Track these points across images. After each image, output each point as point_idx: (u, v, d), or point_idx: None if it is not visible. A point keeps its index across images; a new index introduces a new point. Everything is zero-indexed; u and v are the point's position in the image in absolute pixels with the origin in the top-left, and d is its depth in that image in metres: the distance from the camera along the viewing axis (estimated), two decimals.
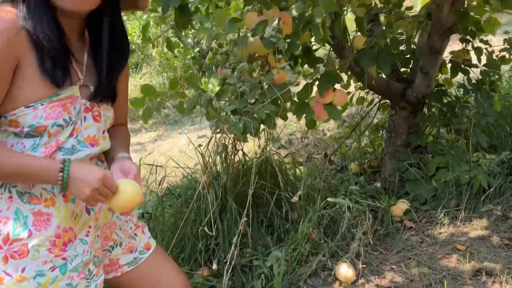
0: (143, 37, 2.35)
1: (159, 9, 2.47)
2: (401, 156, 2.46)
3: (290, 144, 3.58)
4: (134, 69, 7.11)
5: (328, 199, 1.98)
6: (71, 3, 0.90)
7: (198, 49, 6.86)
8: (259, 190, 2.04)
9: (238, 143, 2.11)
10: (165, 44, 2.44)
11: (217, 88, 1.62)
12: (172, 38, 2.38)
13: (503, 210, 2.09)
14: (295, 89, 2.17)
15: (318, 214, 2.00)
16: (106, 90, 1.02)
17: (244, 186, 2.09)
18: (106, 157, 1.11)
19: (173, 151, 3.92)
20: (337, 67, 2.06)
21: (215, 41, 2.24)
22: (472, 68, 2.28)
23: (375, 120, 2.91)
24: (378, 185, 2.47)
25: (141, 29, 1.97)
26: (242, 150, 2.08)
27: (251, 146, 2.35)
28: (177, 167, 2.22)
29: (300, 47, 1.89)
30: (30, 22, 0.89)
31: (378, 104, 2.76)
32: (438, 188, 2.25)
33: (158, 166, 2.14)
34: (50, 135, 0.95)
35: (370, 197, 2.29)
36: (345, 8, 2.16)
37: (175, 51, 5.48)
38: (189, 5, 1.93)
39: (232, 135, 2.02)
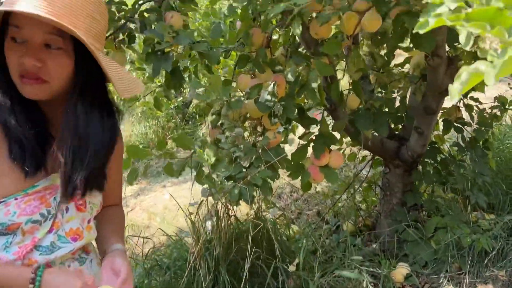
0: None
1: (147, 67, 2.43)
2: (397, 216, 2.38)
3: (279, 198, 3.48)
4: None
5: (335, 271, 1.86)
6: (26, 93, 0.81)
7: (181, 98, 6.83)
8: (254, 260, 1.91)
9: (231, 207, 2.01)
10: (153, 101, 2.37)
11: (213, 159, 1.53)
12: (160, 97, 2.30)
13: (508, 275, 2.01)
14: (289, 147, 2.11)
15: (317, 284, 1.87)
16: (84, 184, 0.88)
17: (237, 253, 1.96)
18: (99, 247, 0.99)
19: (157, 207, 3.76)
20: (330, 128, 2.02)
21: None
22: (465, 126, 2.26)
23: (368, 176, 2.86)
24: (376, 246, 2.37)
25: None
26: (235, 215, 1.97)
27: (242, 206, 2.25)
28: (164, 234, 2.07)
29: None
30: None
31: (370, 160, 2.71)
32: (438, 251, 2.16)
33: (144, 238, 2.00)
34: (25, 232, 0.82)
35: (368, 261, 2.19)
36: (337, 69, 2.16)
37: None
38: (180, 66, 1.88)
39: (225, 200, 1.92)
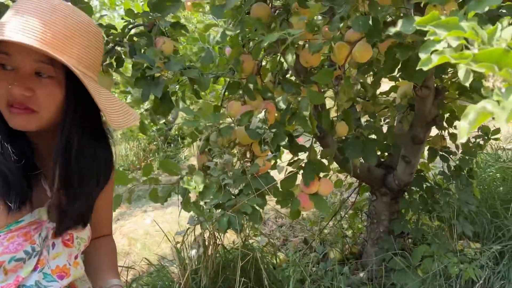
0: None
1: (132, 91, 2.40)
2: (384, 244, 2.37)
3: (264, 224, 3.44)
4: None
5: None
6: (14, 124, 0.77)
7: (164, 120, 6.78)
8: None
9: (218, 235, 1.96)
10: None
11: (201, 187, 1.50)
12: (145, 121, 2.27)
13: None
14: (275, 173, 2.09)
15: None
16: (73, 219, 0.85)
17: (224, 283, 1.91)
18: (92, 282, 0.94)
19: (137, 232, 3.66)
20: (318, 155, 2.02)
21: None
22: (450, 155, 2.29)
23: (354, 201, 2.85)
24: (363, 275, 2.35)
25: None
26: (222, 244, 1.92)
27: (228, 233, 2.20)
28: (147, 263, 2.01)
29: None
30: None
31: (357, 187, 2.71)
32: (426, 280, 2.15)
33: (129, 267, 1.93)
34: (7, 271, 0.77)
35: None
36: (326, 96, 2.17)
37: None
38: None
39: (212, 228, 1.87)
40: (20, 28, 0.71)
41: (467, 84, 0.96)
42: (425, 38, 0.83)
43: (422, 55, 0.89)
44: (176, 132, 6.99)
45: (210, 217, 1.52)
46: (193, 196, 1.87)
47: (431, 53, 0.87)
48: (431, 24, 0.77)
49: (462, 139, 0.67)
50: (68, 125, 0.80)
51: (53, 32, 0.73)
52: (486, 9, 0.85)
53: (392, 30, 0.98)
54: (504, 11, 1.26)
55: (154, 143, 6.80)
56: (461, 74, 0.84)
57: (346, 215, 2.86)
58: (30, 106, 0.76)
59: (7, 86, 0.75)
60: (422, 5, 1.23)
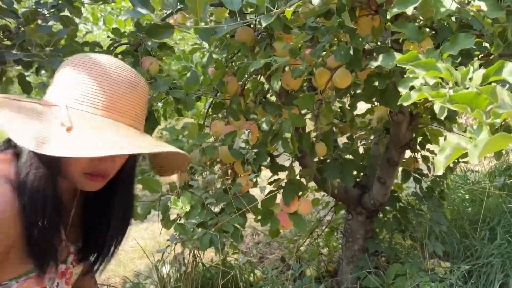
0: None
1: None
2: (359, 262, 2.44)
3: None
4: None
5: None
6: (88, 187, 0.79)
7: None
8: None
9: (198, 253, 1.98)
10: None
11: (188, 208, 1.53)
12: None
13: None
14: (255, 191, 2.13)
15: None
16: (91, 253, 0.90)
17: None
18: None
19: None
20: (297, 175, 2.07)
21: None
22: (423, 177, 2.39)
23: (331, 219, 2.91)
24: None
25: None
26: (201, 262, 1.94)
27: (207, 251, 2.22)
28: (123, 279, 2.00)
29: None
30: (26, 199, 0.72)
31: (334, 206, 2.77)
32: None
33: (104, 285, 1.91)
34: None
35: None
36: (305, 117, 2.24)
37: None
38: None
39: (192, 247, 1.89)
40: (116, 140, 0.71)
41: (442, 118, 1.04)
42: (405, 76, 0.90)
43: (402, 90, 0.97)
44: None
45: (192, 236, 1.54)
46: (172, 214, 1.89)
47: (410, 90, 0.94)
48: (411, 64, 0.84)
49: (439, 172, 0.73)
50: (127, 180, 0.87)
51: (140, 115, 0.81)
52: (458, 50, 0.93)
53: (374, 64, 1.05)
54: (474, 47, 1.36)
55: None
56: (436, 108, 0.91)
57: (323, 233, 2.92)
58: (111, 174, 0.79)
59: (90, 160, 0.76)
60: (400, 40, 1.32)
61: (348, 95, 2.32)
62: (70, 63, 0.79)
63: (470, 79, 0.83)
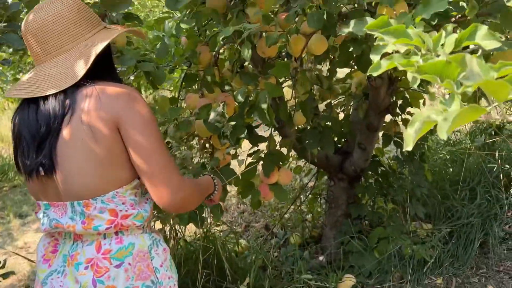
0: None
1: None
2: (343, 228, 2.46)
3: (225, 211, 3.46)
4: None
5: None
6: None
7: None
8: (204, 283, 1.88)
9: (179, 228, 1.96)
10: None
11: None
12: None
13: (445, 282, 2.14)
14: (235, 162, 2.10)
15: None
16: None
17: (186, 276, 1.92)
18: None
19: None
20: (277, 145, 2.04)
21: None
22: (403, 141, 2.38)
23: (313, 186, 2.92)
24: (323, 259, 2.42)
25: None
26: (183, 237, 1.92)
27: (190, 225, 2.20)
28: None
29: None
30: None
31: (316, 173, 2.77)
32: (382, 261, 2.25)
33: None
34: None
35: (316, 274, 2.23)
36: (283, 86, 2.19)
37: None
38: None
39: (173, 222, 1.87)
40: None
41: (415, 86, 1.00)
42: (375, 44, 0.86)
43: (373, 57, 0.92)
44: None
45: (169, 215, 1.51)
46: None
47: (381, 58, 0.89)
48: (381, 31, 0.79)
49: (408, 147, 0.70)
50: None
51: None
52: (432, 13, 0.88)
53: (345, 31, 0.99)
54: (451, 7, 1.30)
55: None
56: (409, 77, 0.87)
57: (306, 200, 2.93)
58: None
59: None
60: (373, 3, 1.26)
61: (328, 60, 2.26)
62: None
63: (442, 45, 0.79)
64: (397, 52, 0.88)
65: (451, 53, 0.80)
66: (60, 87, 1.00)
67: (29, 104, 1.04)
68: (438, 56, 0.79)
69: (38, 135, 1.01)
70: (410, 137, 0.69)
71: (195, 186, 1.12)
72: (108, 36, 1.04)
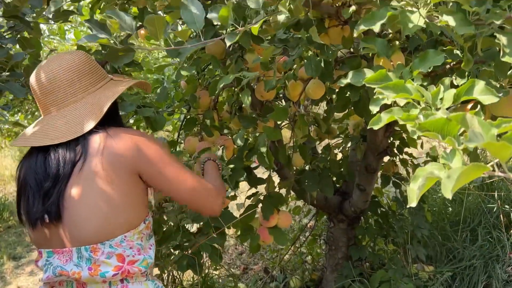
0: None
1: None
2: (343, 270, 2.41)
3: (223, 252, 3.40)
4: None
5: None
6: None
7: None
8: None
9: (177, 274, 1.92)
10: None
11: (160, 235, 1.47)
12: None
13: None
14: (233, 203, 2.08)
15: None
16: None
17: None
18: None
19: None
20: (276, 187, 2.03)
21: None
22: (402, 182, 2.38)
23: (313, 227, 2.88)
24: None
25: None
26: (181, 283, 1.88)
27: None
28: None
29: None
30: None
31: (315, 214, 2.74)
32: None
33: None
34: None
35: None
36: (281, 127, 2.20)
37: None
38: None
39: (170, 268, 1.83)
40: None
41: (415, 138, 1.00)
42: (374, 97, 0.87)
43: (373, 108, 0.93)
44: None
45: (167, 262, 1.48)
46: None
47: (380, 109, 0.90)
48: (380, 86, 0.81)
49: (412, 204, 0.69)
50: None
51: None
52: (429, 68, 0.90)
53: (344, 82, 1.01)
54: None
55: None
56: (408, 129, 0.88)
57: (305, 241, 2.88)
58: None
59: None
60: (370, 54, 1.29)
61: (325, 101, 2.29)
62: None
63: (441, 99, 0.80)
64: (395, 102, 0.89)
65: (450, 107, 0.81)
66: (69, 137, 1.02)
67: (37, 153, 1.06)
68: (437, 109, 0.80)
69: (45, 182, 1.02)
70: (413, 193, 0.69)
71: (217, 178, 1.31)
72: (116, 91, 1.10)
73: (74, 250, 1.00)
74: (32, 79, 1.08)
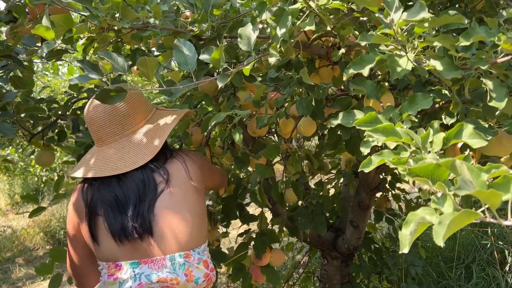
0: (56, 192, 2.12)
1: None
2: None
3: None
4: None
5: None
6: None
7: None
8: None
9: None
10: None
11: None
12: None
13: None
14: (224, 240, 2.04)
15: None
16: None
17: None
18: None
19: None
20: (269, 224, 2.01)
21: None
22: (395, 217, 2.37)
23: (306, 264, 2.83)
24: None
25: (54, 184, 1.79)
26: None
27: None
28: None
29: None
30: None
31: (308, 250, 2.71)
32: None
33: None
34: None
35: None
36: (275, 163, 2.20)
37: None
38: None
39: None
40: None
41: (406, 179, 1.00)
42: (364, 140, 0.87)
43: (363, 150, 0.93)
44: None
45: None
46: None
47: (371, 151, 0.90)
48: (370, 130, 0.81)
49: (404, 250, 0.69)
50: None
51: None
52: (418, 109, 0.91)
53: (334, 123, 1.02)
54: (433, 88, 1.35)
55: None
56: (400, 172, 0.88)
57: (299, 278, 2.83)
58: None
59: None
60: (360, 95, 1.31)
61: (316, 136, 2.30)
62: None
63: (431, 142, 0.81)
64: (386, 145, 0.90)
65: (440, 149, 0.81)
66: (139, 163, 1.14)
67: (109, 180, 1.14)
68: (428, 152, 0.81)
69: (131, 203, 1.11)
70: (405, 239, 0.68)
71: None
72: (172, 120, 1.26)
73: (167, 257, 1.07)
74: (90, 114, 1.20)
